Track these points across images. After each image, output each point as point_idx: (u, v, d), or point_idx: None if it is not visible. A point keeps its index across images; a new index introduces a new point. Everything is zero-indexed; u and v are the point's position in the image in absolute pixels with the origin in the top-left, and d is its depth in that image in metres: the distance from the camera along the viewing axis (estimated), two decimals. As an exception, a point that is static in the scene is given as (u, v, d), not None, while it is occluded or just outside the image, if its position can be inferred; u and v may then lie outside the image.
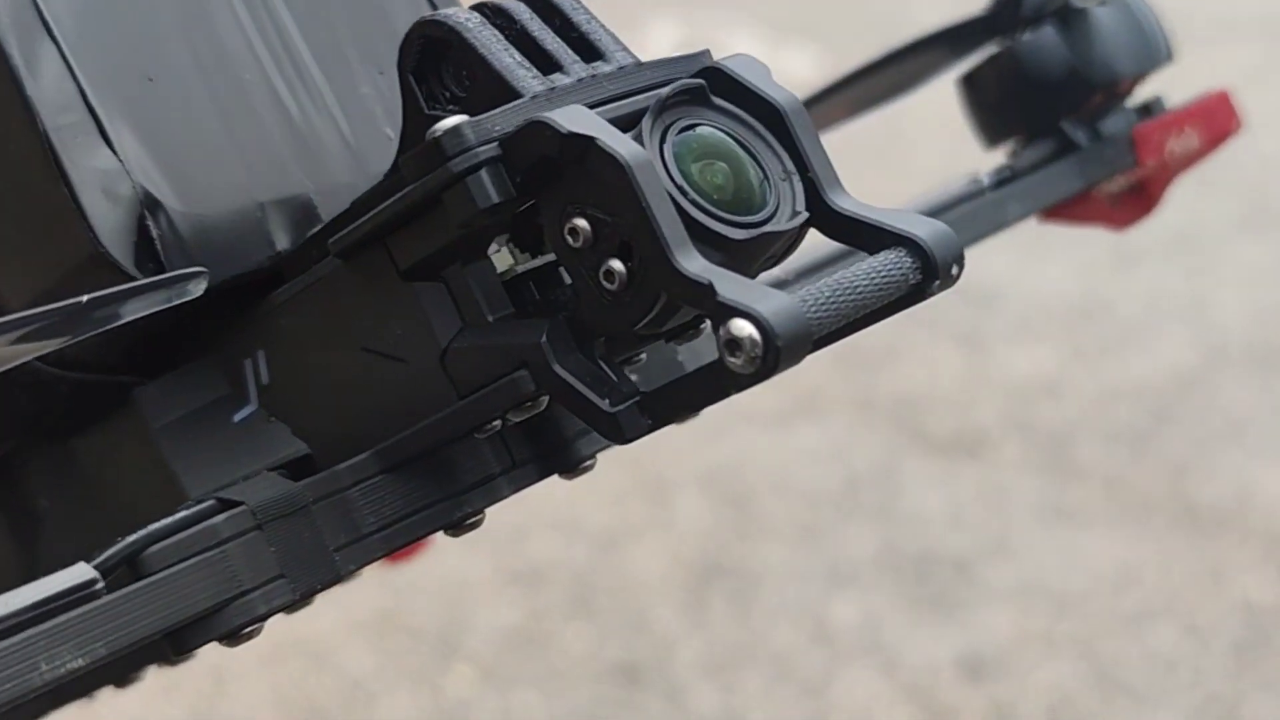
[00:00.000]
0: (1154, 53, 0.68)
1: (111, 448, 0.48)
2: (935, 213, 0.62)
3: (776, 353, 0.35)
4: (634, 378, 0.42)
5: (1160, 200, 0.71)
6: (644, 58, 0.42)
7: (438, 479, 0.44)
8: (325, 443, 0.46)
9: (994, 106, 0.69)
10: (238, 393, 0.48)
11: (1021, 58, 0.68)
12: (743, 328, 0.35)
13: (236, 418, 0.47)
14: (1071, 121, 0.68)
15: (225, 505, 0.42)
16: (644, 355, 0.46)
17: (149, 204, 0.44)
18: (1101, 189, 0.69)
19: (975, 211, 0.63)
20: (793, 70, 2.78)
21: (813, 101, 0.67)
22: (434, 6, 0.52)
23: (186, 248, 0.44)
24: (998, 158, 0.68)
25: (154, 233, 0.44)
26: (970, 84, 0.69)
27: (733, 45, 2.93)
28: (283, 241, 0.47)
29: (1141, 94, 0.70)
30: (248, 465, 0.45)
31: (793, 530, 1.60)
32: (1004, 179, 0.66)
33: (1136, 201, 0.72)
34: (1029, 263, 2.11)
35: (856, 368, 1.84)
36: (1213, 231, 2.17)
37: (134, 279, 0.42)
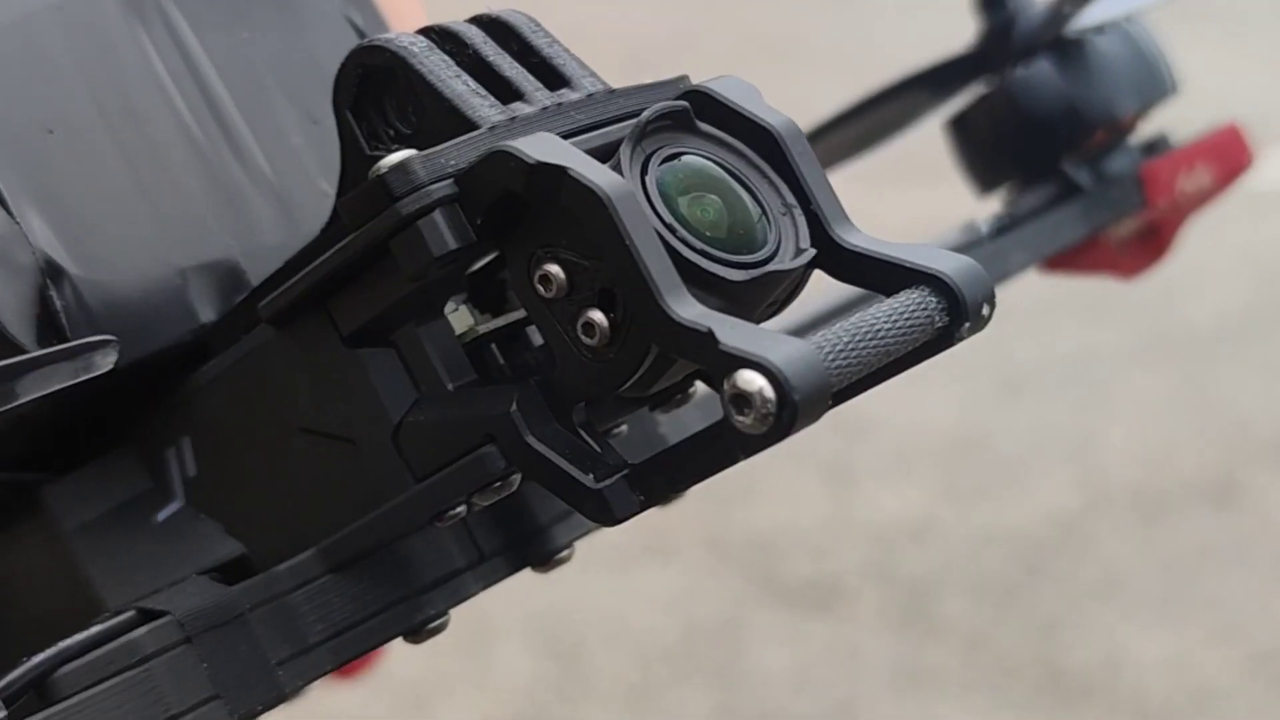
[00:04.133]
0: (1158, 84, 0.67)
1: (17, 555, 0.46)
2: None
3: (793, 408, 0.31)
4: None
5: (1172, 244, 0.70)
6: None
7: (394, 577, 0.42)
8: (263, 541, 0.43)
9: (987, 150, 0.67)
10: (160, 487, 0.45)
11: (1015, 95, 0.66)
12: (752, 380, 0.31)
13: (160, 516, 0.44)
14: (1072, 162, 0.66)
15: (148, 616, 0.39)
16: (623, 427, 0.44)
17: (51, 272, 0.42)
18: (1109, 234, 0.68)
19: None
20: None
21: None
22: None
23: (95, 321, 0.42)
24: (992, 205, 0.68)
25: (57, 304, 0.42)
26: (960, 126, 0.68)
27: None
28: (206, 312, 0.44)
29: (1146, 130, 0.70)
30: (174, 570, 0.43)
31: (620, 690, 1.53)
32: (1003, 226, 0.64)
33: (1147, 247, 0.70)
34: (908, 389, 2.00)
35: (711, 501, 1.76)
36: (1104, 361, 2.13)
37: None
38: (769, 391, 0.32)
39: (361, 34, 0.49)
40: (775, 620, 1.69)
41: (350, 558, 0.41)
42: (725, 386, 0.32)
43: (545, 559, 0.44)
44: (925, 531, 1.85)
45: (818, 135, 0.65)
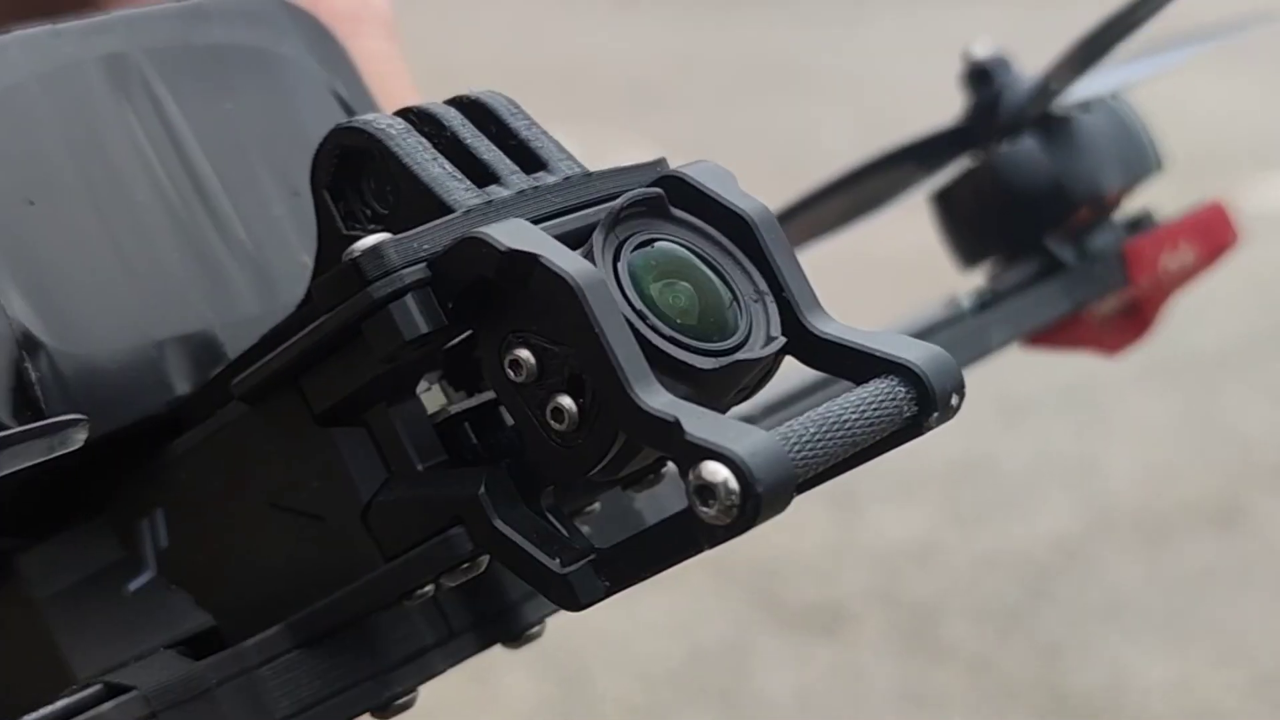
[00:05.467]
0: (1143, 162, 0.67)
1: None
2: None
3: (757, 500, 0.31)
4: (585, 529, 0.40)
5: (1155, 322, 0.69)
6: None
7: (362, 654, 0.41)
8: (233, 614, 0.43)
9: (971, 224, 0.67)
10: (133, 557, 0.44)
11: (999, 171, 0.65)
12: (716, 472, 0.31)
13: (132, 586, 0.44)
14: (1056, 238, 0.65)
15: (113, 690, 0.38)
16: (596, 504, 0.44)
17: (26, 344, 0.41)
18: (1091, 311, 0.67)
19: (955, 338, 0.61)
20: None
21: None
22: None
23: (71, 393, 0.41)
24: (974, 280, 0.67)
25: (32, 376, 0.41)
26: (944, 201, 0.67)
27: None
28: (182, 384, 0.43)
29: (1130, 206, 0.69)
30: (145, 641, 0.42)
31: (624, 714, 1.55)
32: (985, 302, 0.63)
33: (1129, 324, 0.69)
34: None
35: (714, 526, 1.73)
36: (1107, 385, 2.12)
37: (8, 430, 0.39)
38: (733, 483, 0.31)
39: (346, 106, 0.49)
40: (779, 644, 1.69)
41: (319, 633, 0.40)
42: (690, 477, 0.32)
43: (516, 636, 0.44)
44: (929, 555, 1.86)
45: (803, 206, 0.65)
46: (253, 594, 0.43)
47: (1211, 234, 0.69)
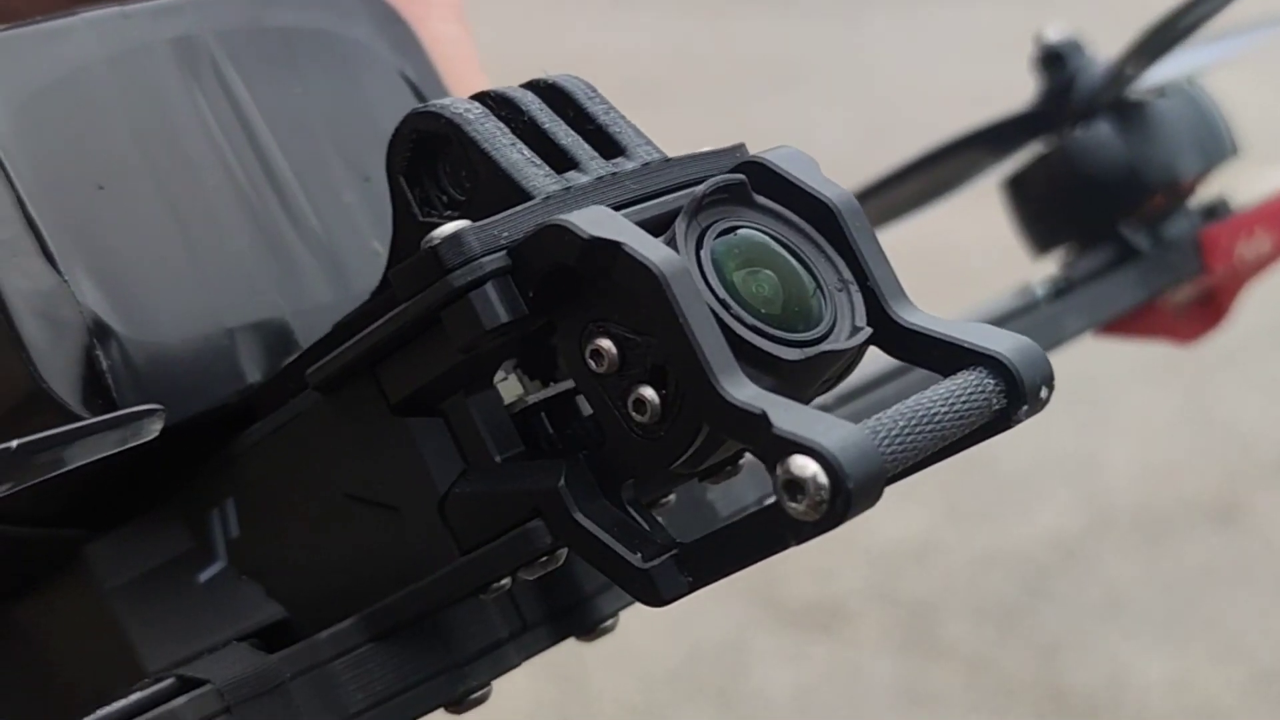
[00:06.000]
0: (1219, 147, 0.66)
1: (58, 613, 0.45)
2: None
3: (847, 496, 0.31)
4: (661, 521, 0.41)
5: (1230, 310, 0.70)
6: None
7: (436, 647, 0.40)
8: (305, 605, 0.42)
9: (1044, 210, 0.67)
10: (203, 547, 0.44)
11: (1073, 156, 0.65)
12: (805, 466, 0.31)
13: (202, 577, 0.43)
14: (1130, 225, 0.66)
15: (188, 684, 0.38)
16: (671, 497, 0.43)
17: (98, 332, 0.40)
18: (1165, 299, 0.67)
19: (1030, 327, 0.60)
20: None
21: None
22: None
23: (142, 382, 0.41)
24: (1048, 267, 0.67)
25: (104, 365, 0.40)
26: (1017, 187, 0.67)
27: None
28: (254, 373, 0.43)
29: (1205, 193, 0.69)
30: (216, 632, 0.42)
31: (622, 713, 1.53)
32: (1060, 290, 0.63)
33: (1204, 312, 0.70)
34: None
35: (713, 524, 1.72)
36: (1106, 381, 2.11)
37: (80, 419, 0.39)
38: (822, 478, 0.31)
39: (415, 89, 0.49)
40: (777, 642, 1.69)
41: (392, 626, 0.40)
42: (778, 472, 0.31)
43: (590, 628, 0.43)
44: (927, 553, 1.85)
45: (875, 190, 0.65)
46: (325, 585, 0.42)
47: None
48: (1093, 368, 2.24)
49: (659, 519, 0.39)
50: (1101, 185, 0.64)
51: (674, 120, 3.32)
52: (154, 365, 0.41)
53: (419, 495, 0.39)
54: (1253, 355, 2.29)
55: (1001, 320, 0.60)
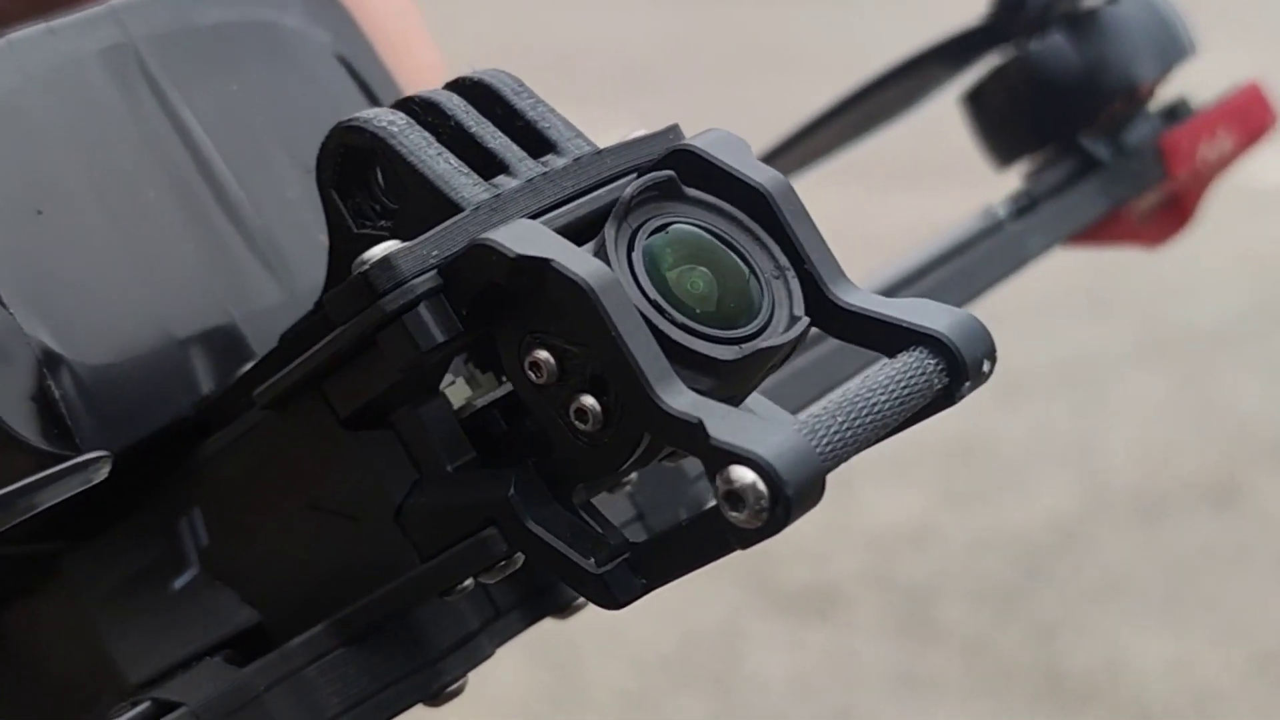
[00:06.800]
0: (1176, 47, 0.65)
1: (41, 621, 0.45)
2: (950, 255, 0.60)
3: (787, 504, 0.31)
4: (627, 492, 0.39)
5: (1195, 213, 0.69)
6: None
7: (409, 646, 0.41)
8: (278, 609, 0.42)
9: (1003, 123, 0.66)
10: (176, 555, 0.44)
11: (1030, 67, 0.65)
12: (744, 476, 0.31)
13: (177, 584, 0.43)
14: (1091, 135, 0.65)
15: (163, 708, 0.38)
16: (633, 476, 0.43)
17: (47, 361, 0.40)
18: (1130, 207, 0.66)
19: (995, 249, 0.60)
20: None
21: (802, 133, 0.65)
22: (371, 98, 0.49)
23: (97, 406, 0.41)
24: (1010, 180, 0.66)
25: (56, 394, 0.40)
26: (975, 100, 0.67)
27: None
28: (207, 382, 0.43)
29: (1164, 93, 0.68)
30: (193, 639, 0.42)
31: (616, 699, 1.51)
32: (1023, 208, 0.62)
33: (1169, 217, 0.69)
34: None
35: (707, 509, 1.72)
36: (1103, 363, 2.11)
37: (40, 451, 0.39)
38: (761, 486, 0.31)
39: (354, 72, 0.48)
40: (773, 628, 1.69)
41: (364, 629, 0.40)
42: (718, 482, 0.32)
43: (564, 607, 0.43)
44: (924, 537, 1.85)
45: (840, 110, 0.64)
46: (295, 591, 0.42)
47: (1249, 118, 0.68)
48: (1090, 349, 2.24)
49: (623, 493, 0.40)
50: (1059, 94, 0.63)
51: (671, 105, 3.31)
52: (107, 387, 0.41)
53: (375, 506, 0.39)
54: (1250, 336, 2.29)
55: (966, 245, 0.59)
